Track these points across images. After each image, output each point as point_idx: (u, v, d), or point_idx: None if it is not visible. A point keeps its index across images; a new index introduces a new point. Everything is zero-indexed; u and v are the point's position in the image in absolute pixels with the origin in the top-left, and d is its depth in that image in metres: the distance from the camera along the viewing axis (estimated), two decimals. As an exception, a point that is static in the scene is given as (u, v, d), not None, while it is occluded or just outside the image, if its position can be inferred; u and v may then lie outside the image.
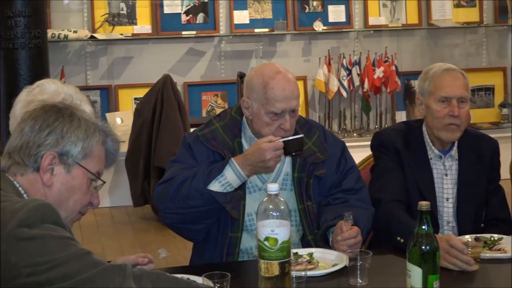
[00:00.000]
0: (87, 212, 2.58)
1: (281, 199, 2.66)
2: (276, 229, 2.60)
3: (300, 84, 7.77)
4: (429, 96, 3.58)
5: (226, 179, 3.22)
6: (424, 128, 3.67)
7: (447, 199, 3.61)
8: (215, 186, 3.22)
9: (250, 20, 7.80)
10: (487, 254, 3.12)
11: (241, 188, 3.29)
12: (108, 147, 2.48)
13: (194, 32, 7.70)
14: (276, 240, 2.60)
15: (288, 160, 3.40)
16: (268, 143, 3.17)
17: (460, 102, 3.53)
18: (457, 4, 8.27)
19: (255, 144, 3.22)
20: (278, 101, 3.23)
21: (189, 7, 7.70)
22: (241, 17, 7.76)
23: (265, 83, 3.25)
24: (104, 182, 2.51)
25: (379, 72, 7.70)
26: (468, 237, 3.27)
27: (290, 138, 3.22)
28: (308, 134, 3.44)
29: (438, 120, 3.54)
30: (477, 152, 3.60)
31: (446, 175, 3.60)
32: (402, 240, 3.21)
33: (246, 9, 7.78)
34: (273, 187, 2.65)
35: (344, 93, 7.71)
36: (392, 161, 3.61)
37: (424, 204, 2.59)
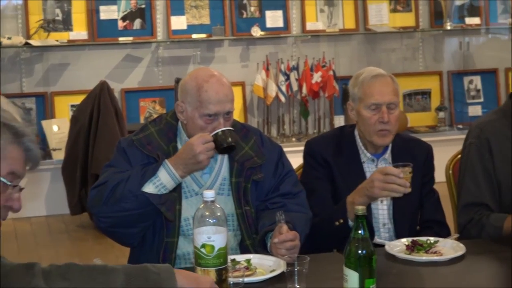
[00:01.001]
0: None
1: (218, 205, 2.66)
2: (212, 236, 2.60)
3: (239, 89, 7.77)
4: (359, 103, 3.60)
5: (160, 181, 3.21)
6: (356, 132, 3.70)
7: (382, 201, 3.63)
8: (149, 188, 3.21)
9: (188, 25, 7.76)
10: (424, 257, 3.14)
11: (176, 191, 3.28)
12: (25, 146, 2.31)
13: (131, 38, 7.63)
14: (212, 247, 2.60)
15: (225, 164, 3.39)
16: (197, 137, 3.19)
17: (390, 108, 3.56)
18: (393, 9, 8.35)
19: (186, 143, 3.24)
20: (212, 103, 3.24)
21: (125, 13, 7.63)
22: (179, 22, 7.72)
23: (199, 86, 3.26)
24: (18, 186, 2.32)
25: (317, 77, 7.73)
26: (404, 240, 3.30)
27: (219, 130, 3.23)
28: (245, 139, 3.44)
29: (369, 126, 3.57)
30: (411, 156, 3.63)
31: (379, 177, 3.63)
32: (341, 221, 3.37)
33: (183, 14, 7.75)
34: (209, 194, 2.65)
35: (283, 98, 7.72)
36: (321, 175, 3.64)
37: (360, 209, 2.61)
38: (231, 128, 3.27)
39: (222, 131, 3.23)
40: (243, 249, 3.33)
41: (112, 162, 3.37)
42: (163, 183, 3.22)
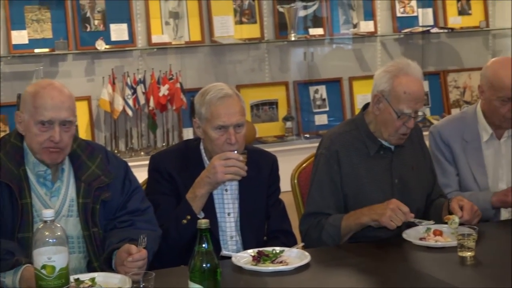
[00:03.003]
0: None
1: (58, 225, 2.62)
2: (53, 256, 2.56)
3: (84, 104, 7.62)
4: (206, 123, 3.58)
5: (4, 279, 2.98)
6: (202, 146, 3.69)
7: (229, 214, 3.64)
8: None
9: (30, 40, 7.54)
10: (270, 267, 3.16)
11: None
12: None
13: (-31, 54, 7.38)
14: (53, 267, 2.56)
15: (72, 185, 3.32)
16: None
17: (237, 128, 3.57)
18: (239, 21, 8.41)
19: None
20: (46, 109, 3.17)
21: (-38, 27, 7.37)
22: (20, 37, 7.49)
23: (36, 92, 3.20)
24: None
25: (164, 90, 7.69)
26: (251, 251, 3.31)
27: None
28: (91, 157, 3.38)
29: (216, 146, 3.58)
30: (256, 167, 3.66)
31: (226, 190, 3.64)
32: (189, 217, 3.45)
33: (24, 29, 7.53)
34: (48, 213, 2.59)
35: (130, 112, 7.63)
36: (166, 190, 3.63)
37: (203, 222, 2.61)
38: None
39: None
40: (91, 271, 3.22)
41: None
42: (6, 283, 2.99)
